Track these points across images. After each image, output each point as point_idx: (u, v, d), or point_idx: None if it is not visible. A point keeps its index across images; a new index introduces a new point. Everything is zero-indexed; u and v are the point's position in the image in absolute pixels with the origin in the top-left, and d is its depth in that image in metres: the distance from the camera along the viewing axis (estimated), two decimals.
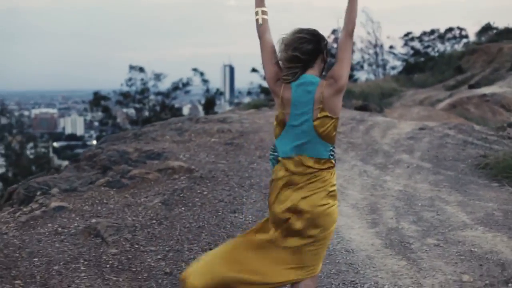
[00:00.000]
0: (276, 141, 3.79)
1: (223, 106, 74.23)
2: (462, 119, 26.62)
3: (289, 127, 3.68)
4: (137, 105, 56.48)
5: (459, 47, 51.44)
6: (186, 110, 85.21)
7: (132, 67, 55.92)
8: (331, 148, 3.70)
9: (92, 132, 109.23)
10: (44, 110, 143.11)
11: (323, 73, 3.81)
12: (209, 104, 50.84)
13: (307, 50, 3.61)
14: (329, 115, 3.60)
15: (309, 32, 3.69)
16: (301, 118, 3.63)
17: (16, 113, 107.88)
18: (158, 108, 55.06)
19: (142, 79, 55.41)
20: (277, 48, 3.73)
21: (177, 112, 55.98)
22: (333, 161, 3.73)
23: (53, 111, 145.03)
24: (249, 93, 55.43)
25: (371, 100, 26.54)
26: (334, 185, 3.73)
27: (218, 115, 13.80)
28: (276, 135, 3.77)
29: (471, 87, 34.63)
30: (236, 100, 68.27)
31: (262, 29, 3.82)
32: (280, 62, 3.71)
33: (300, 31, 3.68)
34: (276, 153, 3.79)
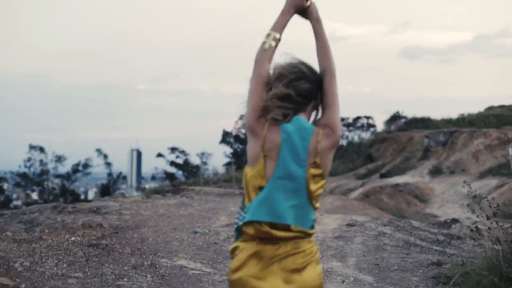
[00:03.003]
0: (249, 204, 2.84)
1: (128, 191, 70.82)
2: (378, 209, 24.49)
3: (275, 180, 2.81)
4: (35, 188, 52.39)
5: (366, 135, 50.24)
6: (91, 194, 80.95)
7: (32, 147, 52.09)
8: (314, 217, 2.93)
9: None
10: None
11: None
12: (106, 189, 47.02)
13: (303, 90, 2.89)
14: (321, 173, 2.88)
15: (310, 68, 2.95)
16: (293, 171, 2.81)
17: None
18: (57, 191, 50.98)
19: (41, 160, 51.45)
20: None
21: (78, 196, 52.30)
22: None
23: None
24: (153, 178, 52.34)
25: None
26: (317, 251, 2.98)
27: (93, 203, 10.36)
28: (251, 194, 2.86)
29: (383, 176, 33.23)
30: (142, 185, 65.07)
31: (264, 55, 2.99)
32: (268, 96, 2.89)
33: (300, 63, 2.95)
34: (243, 215, 2.84)
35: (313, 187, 2.86)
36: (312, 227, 2.93)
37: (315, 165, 2.84)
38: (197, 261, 7.29)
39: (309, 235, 2.91)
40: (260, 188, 2.84)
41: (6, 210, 9.35)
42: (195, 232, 8.58)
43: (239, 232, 2.92)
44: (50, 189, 52.32)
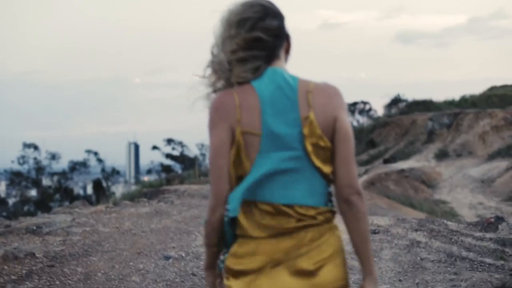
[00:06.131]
0: (232, 194, 1.96)
1: (127, 185, 68.82)
2: (386, 198, 22.31)
3: (263, 154, 1.94)
4: (30, 185, 50.07)
5: (365, 121, 48.08)
6: (90, 190, 78.92)
7: (26, 145, 49.67)
8: (329, 189, 2.06)
9: None
10: None
11: None
12: (98, 186, 44.43)
13: (272, 28, 2.02)
14: (320, 133, 1.96)
15: (270, 3, 2.08)
16: (283, 134, 1.95)
17: None
18: (51, 190, 48.66)
19: (35, 158, 49.07)
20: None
21: (72, 193, 50.07)
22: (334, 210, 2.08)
23: None
24: (149, 171, 50.16)
25: None
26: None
27: (35, 219, 7.67)
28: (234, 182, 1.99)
29: (387, 161, 30.96)
30: (140, 179, 63.13)
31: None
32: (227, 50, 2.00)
33: (256, 1, 2.04)
34: (227, 214, 1.98)
35: (311, 147, 1.94)
36: (327, 203, 2.02)
37: (309, 121, 1.95)
38: None
39: (325, 217, 2.00)
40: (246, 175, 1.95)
41: None
42: (167, 258, 6.06)
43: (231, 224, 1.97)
44: (46, 187, 50.10)
